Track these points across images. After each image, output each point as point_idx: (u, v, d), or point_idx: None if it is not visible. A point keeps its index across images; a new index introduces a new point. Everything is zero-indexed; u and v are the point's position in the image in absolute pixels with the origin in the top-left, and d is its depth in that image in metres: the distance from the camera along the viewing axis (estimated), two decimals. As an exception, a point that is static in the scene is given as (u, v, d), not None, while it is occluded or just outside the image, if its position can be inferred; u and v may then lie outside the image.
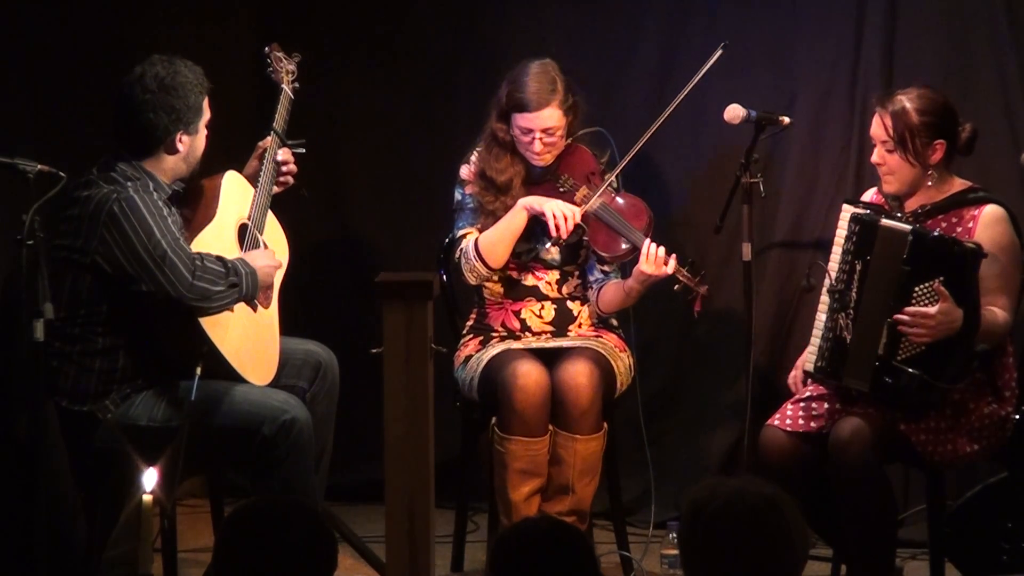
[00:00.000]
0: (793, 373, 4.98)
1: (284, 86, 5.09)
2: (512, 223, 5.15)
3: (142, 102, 4.70)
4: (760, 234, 5.56)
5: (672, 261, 5.05)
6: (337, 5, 6.10)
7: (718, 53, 5.18)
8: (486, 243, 5.16)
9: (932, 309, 4.59)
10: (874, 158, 4.84)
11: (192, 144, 4.78)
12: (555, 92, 5.12)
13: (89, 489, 4.76)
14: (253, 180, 4.97)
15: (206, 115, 4.79)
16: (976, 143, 4.84)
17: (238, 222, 4.89)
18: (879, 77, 5.64)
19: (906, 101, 4.75)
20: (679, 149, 5.88)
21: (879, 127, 4.79)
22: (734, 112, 5.17)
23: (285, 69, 5.12)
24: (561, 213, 5.08)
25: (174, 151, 4.75)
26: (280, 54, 5.14)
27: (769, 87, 5.76)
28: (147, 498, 3.41)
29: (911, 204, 4.82)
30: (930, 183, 4.77)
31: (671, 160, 5.90)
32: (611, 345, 5.18)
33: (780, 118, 5.19)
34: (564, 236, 5.10)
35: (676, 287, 5.07)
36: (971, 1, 5.63)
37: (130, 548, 4.68)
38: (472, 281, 5.21)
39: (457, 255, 5.20)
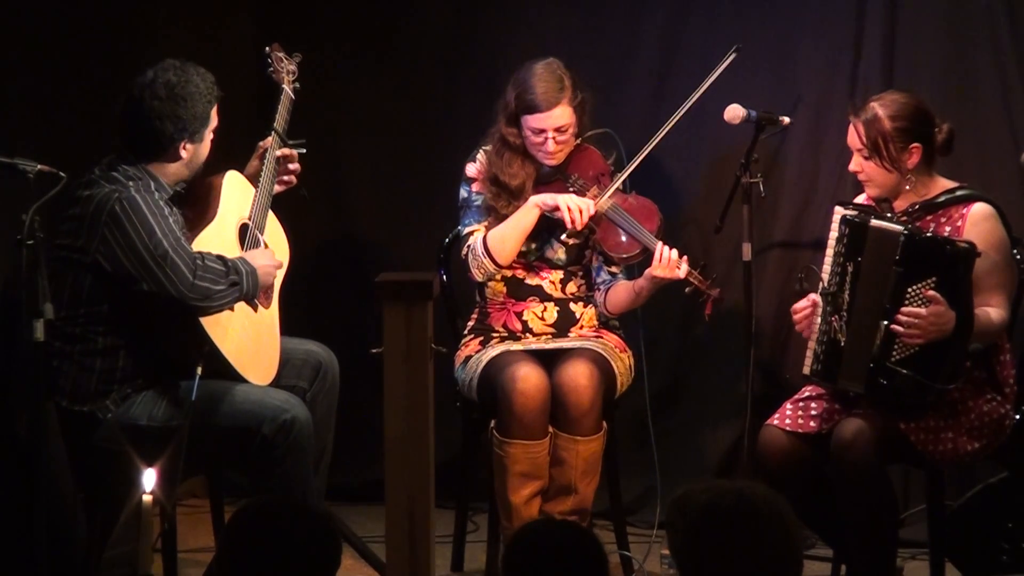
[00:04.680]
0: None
1: (285, 86, 5.09)
2: (523, 220, 5.13)
3: (150, 109, 4.68)
4: (760, 234, 5.57)
5: (684, 264, 5.05)
6: (338, 5, 6.10)
7: (731, 56, 5.17)
8: (495, 240, 5.14)
9: (924, 310, 4.58)
10: (852, 166, 4.82)
11: (196, 151, 4.77)
12: (563, 90, 5.11)
13: (89, 489, 4.75)
14: (254, 180, 4.97)
15: (213, 123, 4.78)
16: (954, 143, 4.80)
17: (239, 222, 4.88)
18: (879, 77, 5.63)
19: (878, 108, 4.73)
20: (679, 149, 5.88)
21: (853, 136, 4.78)
22: (734, 112, 5.18)
23: (286, 69, 5.12)
24: (576, 206, 5.07)
25: (177, 158, 4.74)
26: (281, 54, 5.14)
27: (769, 87, 5.76)
28: (147, 498, 3.41)
29: (899, 205, 4.81)
30: (908, 187, 4.76)
31: (671, 160, 5.89)
32: (611, 345, 5.18)
33: (780, 118, 5.20)
34: (580, 227, 5.08)
35: (687, 289, 5.07)
36: (971, 1, 5.63)
37: (130, 548, 4.67)
38: (479, 277, 5.20)
39: (464, 251, 5.18)
